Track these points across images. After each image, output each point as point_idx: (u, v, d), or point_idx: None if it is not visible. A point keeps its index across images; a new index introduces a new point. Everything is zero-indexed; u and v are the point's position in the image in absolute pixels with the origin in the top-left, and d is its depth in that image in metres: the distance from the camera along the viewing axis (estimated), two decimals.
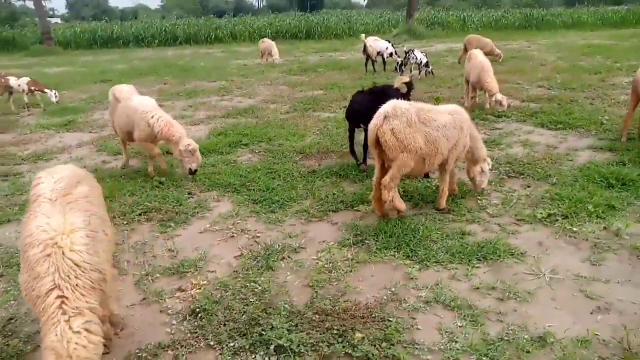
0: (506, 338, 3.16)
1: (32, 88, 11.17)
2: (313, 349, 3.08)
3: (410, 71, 13.87)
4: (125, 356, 3.13)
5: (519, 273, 3.92)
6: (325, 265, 4.09)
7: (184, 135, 6.09)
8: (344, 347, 3.08)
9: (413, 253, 4.22)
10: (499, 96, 8.69)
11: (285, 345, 3.05)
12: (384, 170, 4.93)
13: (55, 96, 11.42)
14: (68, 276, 2.41)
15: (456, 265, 4.04)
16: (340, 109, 9.71)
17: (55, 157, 7.55)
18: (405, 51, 14.17)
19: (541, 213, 4.82)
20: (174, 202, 5.43)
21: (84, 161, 7.22)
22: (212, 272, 4.10)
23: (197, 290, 3.78)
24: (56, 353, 2.24)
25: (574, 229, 4.57)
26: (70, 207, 2.69)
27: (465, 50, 16.58)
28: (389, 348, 3.06)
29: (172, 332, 3.35)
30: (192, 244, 4.58)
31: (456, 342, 3.15)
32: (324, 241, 4.55)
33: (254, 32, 30.48)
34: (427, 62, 13.89)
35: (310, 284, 3.81)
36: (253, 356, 3.05)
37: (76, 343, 2.27)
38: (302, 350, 3.05)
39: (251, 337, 3.18)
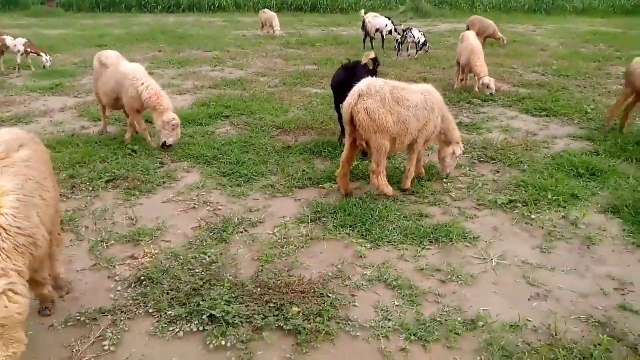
0: (439, 319, 3.22)
1: (28, 50, 11.11)
2: (248, 320, 3.15)
3: (408, 50, 13.74)
4: (65, 319, 3.20)
5: (467, 257, 3.96)
6: (279, 241, 4.14)
7: (171, 108, 6.08)
8: (277, 320, 3.14)
9: (368, 232, 4.26)
10: (486, 80, 8.63)
11: (218, 315, 3.11)
12: (353, 149, 4.95)
13: (49, 61, 11.38)
14: None
15: (407, 246, 4.08)
16: (330, 85, 9.66)
17: (36, 120, 7.57)
18: (403, 30, 13.99)
19: (502, 199, 4.84)
20: (142, 171, 5.47)
21: (64, 126, 7.23)
22: (167, 242, 4.16)
23: (148, 259, 3.84)
24: None
25: (532, 216, 4.59)
26: (5, 170, 2.72)
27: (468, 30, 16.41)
28: (322, 323, 3.12)
29: (116, 298, 3.42)
30: (153, 214, 4.63)
31: (389, 320, 3.21)
32: (283, 217, 4.59)
33: (258, 2, 30.06)
34: (425, 41, 13.73)
35: (260, 258, 3.86)
36: (188, 325, 3.12)
37: None
38: (235, 322, 3.12)
39: (189, 306, 3.25)
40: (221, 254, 3.93)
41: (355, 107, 4.57)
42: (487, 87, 8.65)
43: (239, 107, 8.11)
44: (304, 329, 3.07)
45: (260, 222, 4.48)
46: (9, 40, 10.92)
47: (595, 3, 30.82)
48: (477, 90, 9.03)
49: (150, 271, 3.65)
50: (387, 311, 3.30)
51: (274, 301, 3.31)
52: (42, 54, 11.33)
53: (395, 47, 14.04)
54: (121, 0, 30.34)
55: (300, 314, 3.19)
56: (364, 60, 5.99)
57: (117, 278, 3.64)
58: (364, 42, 14.96)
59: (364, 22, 14.69)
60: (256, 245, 4.08)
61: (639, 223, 4.44)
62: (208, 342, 2.98)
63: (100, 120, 7.31)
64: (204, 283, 3.51)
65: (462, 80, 9.59)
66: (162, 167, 5.73)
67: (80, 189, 5.08)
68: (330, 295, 3.42)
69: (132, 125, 6.37)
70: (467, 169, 5.71)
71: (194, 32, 19.11)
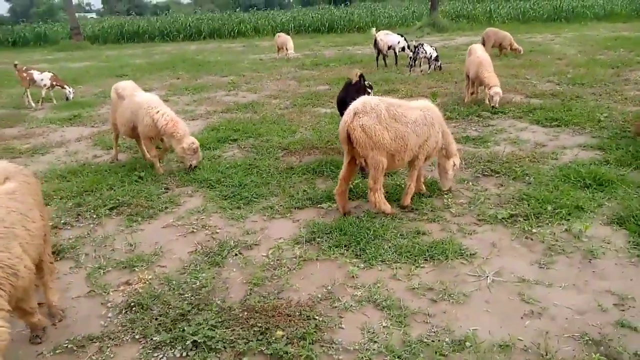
0: (426, 340, 3.14)
1: (54, 83, 11.60)
2: (231, 345, 3.14)
3: (420, 65, 13.71)
4: (54, 346, 3.25)
5: (461, 274, 3.87)
6: (271, 263, 4.14)
7: (187, 132, 6.26)
8: (260, 344, 3.12)
9: (362, 252, 4.22)
10: (493, 91, 8.52)
11: (200, 341, 3.12)
12: (351, 167, 4.95)
13: (72, 93, 11.81)
14: None
15: (401, 264, 4.03)
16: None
17: (52, 151, 7.82)
18: (414, 45, 14.00)
19: (502, 214, 4.74)
20: (146, 197, 5.56)
21: (77, 155, 7.45)
22: (163, 267, 4.20)
23: (141, 285, 3.89)
24: None
25: (533, 230, 4.47)
26: None
27: (484, 44, 16.30)
28: (305, 347, 3.09)
29: (106, 324, 3.46)
30: (153, 239, 4.69)
31: (375, 342, 3.15)
32: (279, 238, 4.59)
33: (276, 26, 30.65)
34: (436, 56, 13.69)
35: (251, 281, 3.86)
36: (172, 351, 3.12)
37: None
38: (218, 347, 3.11)
39: (174, 332, 3.26)
40: (213, 277, 3.95)
41: (351, 125, 4.59)
42: (491, 98, 8.53)
43: (247, 130, 8.21)
44: (285, 352, 3.04)
45: (256, 245, 4.49)
46: (36, 75, 11.41)
47: (617, 8, 30.28)
48: (487, 102, 8.92)
49: (141, 297, 3.69)
50: (374, 333, 3.24)
51: (259, 325, 3.30)
52: (65, 86, 11.79)
53: (409, 63, 14.02)
54: (144, 31, 31.37)
55: (284, 338, 3.17)
56: (353, 79, 6.05)
57: (109, 304, 3.69)
58: (377, 59, 15.01)
59: (375, 40, 14.78)
60: (249, 268, 4.09)
61: None
62: None
63: (112, 148, 7.52)
64: (192, 308, 3.52)
65: (472, 93, 9.50)
66: (167, 192, 5.82)
67: (84, 217, 5.20)
68: (317, 317, 3.39)
69: (153, 156, 6.45)
70: (470, 183, 5.62)
71: (213, 59, 19.55)
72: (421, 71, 13.55)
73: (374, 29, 15.63)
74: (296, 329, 3.26)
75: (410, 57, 14.01)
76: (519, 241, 4.34)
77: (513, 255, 4.13)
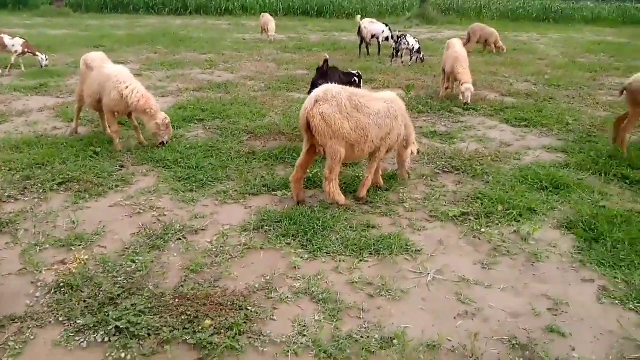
0: (355, 336, 3.10)
1: (25, 50, 11.23)
2: (155, 332, 3.06)
3: (402, 57, 13.60)
4: None
5: (403, 270, 3.84)
6: (213, 249, 4.05)
7: (159, 108, 6.15)
8: (186, 333, 3.05)
9: (309, 242, 4.16)
10: (464, 87, 8.47)
11: (122, 327, 3.03)
12: (310, 155, 4.87)
13: (45, 60, 11.48)
14: None
15: (345, 257, 3.98)
16: None
17: (11, 120, 7.58)
18: (397, 36, 13.88)
19: (453, 211, 4.71)
20: (98, 174, 5.41)
21: (37, 126, 7.23)
22: (102, 247, 4.09)
23: (76, 265, 3.77)
24: None
25: (482, 230, 4.46)
26: None
27: (469, 39, 16.23)
28: (232, 337, 3.03)
29: (32, 304, 3.35)
30: (97, 218, 4.57)
31: (304, 336, 3.10)
32: (227, 224, 4.50)
33: (265, 6, 30.19)
34: (419, 48, 13.60)
35: (188, 267, 3.78)
36: (94, 335, 3.03)
37: None
38: (142, 334, 3.03)
39: (99, 316, 3.17)
40: (152, 261, 3.85)
41: (311, 112, 4.50)
42: (463, 95, 8.49)
43: (215, 111, 8.06)
44: (212, 343, 2.98)
45: (202, 230, 4.40)
46: (7, 40, 11.02)
47: (604, 12, 30.48)
48: (460, 98, 8.88)
49: (73, 277, 3.58)
50: (305, 326, 3.19)
51: (188, 313, 3.22)
52: (37, 53, 11.43)
53: (392, 54, 13.89)
54: (129, 2, 30.64)
55: (212, 327, 3.10)
56: (321, 63, 5.99)
57: (39, 284, 3.57)
58: (360, 47, 14.88)
59: (359, 27, 14.63)
60: (190, 253, 4.00)
61: (592, 239, 4.29)
62: (108, 354, 2.89)
63: (73, 120, 7.33)
64: (123, 292, 3.43)
65: (447, 88, 9.46)
66: (121, 170, 5.68)
67: (30, 191, 5.04)
68: (249, 308, 3.32)
69: (115, 132, 6.28)
70: (429, 179, 5.59)
71: (195, 35, 19.18)
72: (402, 62, 13.46)
73: (358, 16, 15.44)
74: (226, 318, 3.19)
75: (393, 48, 13.91)
76: (467, 240, 4.32)
77: (458, 254, 4.11)
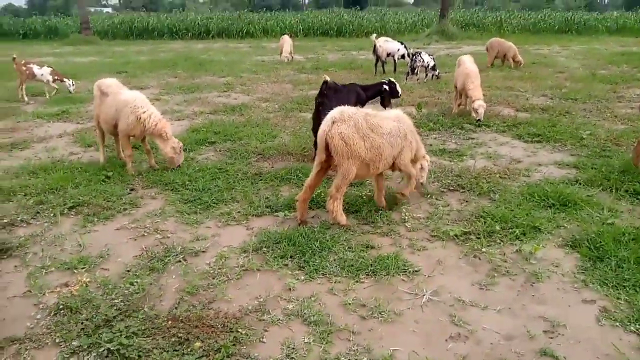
0: (343, 359, 3.09)
1: (55, 77, 11.75)
2: (146, 354, 3.11)
3: (417, 74, 13.62)
4: None
5: (398, 292, 3.81)
6: (211, 271, 4.11)
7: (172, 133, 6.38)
8: (175, 355, 3.09)
9: (306, 264, 4.18)
10: (476, 104, 8.42)
11: (112, 349, 3.09)
12: (319, 176, 4.94)
13: (72, 85, 11.95)
14: None
15: (341, 278, 3.97)
16: None
17: (32, 146, 7.87)
18: (412, 54, 13.92)
19: (454, 230, 4.67)
20: (107, 197, 5.56)
21: (55, 152, 7.49)
22: (105, 269, 4.19)
23: (77, 287, 3.87)
24: None
25: (483, 249, 4.40)
26: None
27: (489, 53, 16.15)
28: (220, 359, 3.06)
29: (32, 326, 3.45)
30: (103, 241, 4.69)
31: (292, 359, 3.10)
32: (228, 246, 4.56)
33: (285, 27, 30.74)
34: (434, 65, 13.64)
35: (184, 289, 3.83)
36: (87, 357, 3.10)
37: None
38: (132, 355, 3.08)
39: (93, 337, 3.24)
40: (150, 283, 3.92)
41: (330, 133, 4.60)
42: (476, 111, 8.44)
43: (227, 133, 8.21)
44: None
45: (202, 252, 4.46)
46: (35, 69, 11.55)
47: (630, 22, 29.94)
48: (472, 115, 8.82)
49: (73, 300, 3.67)
50: (293, 348, 3.19)
51: (180, 335, 3.27)
52: (65, 79, 11.93)
53: (407, 71, 13.93)
54: (154, 28, 31.59)
55: (201, 350, 3.13)
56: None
57: (41, 306, 3.68)
58: (375, 66, 14.97)
59: (375, 46, 14.74)
60: (188, 275, 4.06)
61: (597, 258, 4.19)
62: None
63: (90, 146, 7.58)
64: (119, 314, 3.50)
65: (459, 104, 9.43)
66: (131, 193, 5.82)
67: (42, 215, 5.21)
68: (240, 330, 3.35)
69: (128, 156, 6.46)
70: (434, 197, 5.55)
71: (216, 58, 19.64)
72: (417, 80, 13.48)
73: (374, 35, 15.56)
74: (216, 341, 3.22)
75: (408, 65, 13.96)
76: (466, 260, 4.27)
77: (457, 275, 4.06)
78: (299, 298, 3.74)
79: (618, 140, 7.47)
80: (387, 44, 14.92)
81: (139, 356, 3.10)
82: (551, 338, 3.28)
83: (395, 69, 14.94)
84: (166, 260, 4.27)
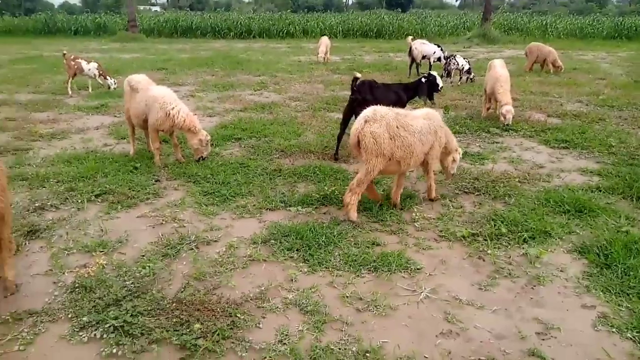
0: (333, 347, 3.20)
1: (100, 72, 12.35)
2: (148, 332, 3.30)
3: (452, 77, 13.53)
4: None
5: (397, 288, 3.89)
6: (219, 259, 4.29)
7: (200, 126, 6.67)
8: (175, 334, 3.27)
9: (311, 257, 4.30)
10: (504, 109, 8.35)
11: (117, 325, 3.31)
12: None
13: (114, 83, 12.50)
14: None
15: (343, 272, 4.08)
16: None
17: (69, 137, 8.30)
18: (446, 57, 13.85)
19: (462, 231, 4.69)
20: (132, 187, 5.84)
21: (91, 142, 7.87)
22: (122, 253, 4.43)
23: (94, 269, 4.13)
24: None
25: (488, 251, 4.41)
26: None
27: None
28: (216, 341, 3.22)
29: (49, 302, 3.71)
30: (124, 227, 4.94)
31: (284, 344, 3.23)
32: (238, 237, 4.73)
33: (325, 28, 30.93)
34: (469, 68, 13.54)
35: (193, 275, 4.02)
36: (94, 331, 3.32)
37: None
38: (135, 332, 3.28)
39: (102, 314, 3.46)
40: (161, 268, 4.14)
41: (362, 131, 4.81)
42: (504, 116, 8.36)
43: (254, 130, 8.43)
44: (196, 345, 3.18)
45: (215, 241, 4.65)
46: (84, 64, 12.17)
47: None
48: (501, 120, 8.74)
49: (89, 280, 3.92)
50: (287, 335, 3.32)
51: (182, 316, 3.45)
52: (108, 77, 12.49)
53: (442, 74, 13.84)
54: (197, 27, 32.33)
55: (199, 331, 3.31)
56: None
57: (59, 284, 3.94)
58: (410, 67, 14.95)
59: (410, 48, 14.74)
60: (198, 262, 4.25)
61: (604, 265, 4.14)
62: (102, 349, 3.17)
63: (124, 138, 7.93)
64: (129, 294, 3.72)
65: (488, 108, 9.35)
66: (155, 184, 6.08)
67: (71, 201, 5.53)
68: (239, 315, 3.50)
69: (157, 148, 6.77)
70: (448, 199, 5.58)
71: (254, 58, 19.99)
72: (451, 83, 13.39)
73: (410, 37, 15.55)
74: (214, 324, 3.39)
75: (444, 68, 13.89)
76: (470, 261, 4.29)
77: (458, 275, 4.10)
78: (299, 289, 3.87)
79: None
80: (423, 47, 14.88)
81: (142, 333, 3.30)
82: (543, 340, 3.29)
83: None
84: (179, 248, 4.48)
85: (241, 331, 3.36)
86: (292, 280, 3.99)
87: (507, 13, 35.54)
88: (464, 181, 6.04)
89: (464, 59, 13.68)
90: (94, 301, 3.67)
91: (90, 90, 12.33)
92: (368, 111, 4.92)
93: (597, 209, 5.16)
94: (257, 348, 3.20)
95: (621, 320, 3.47)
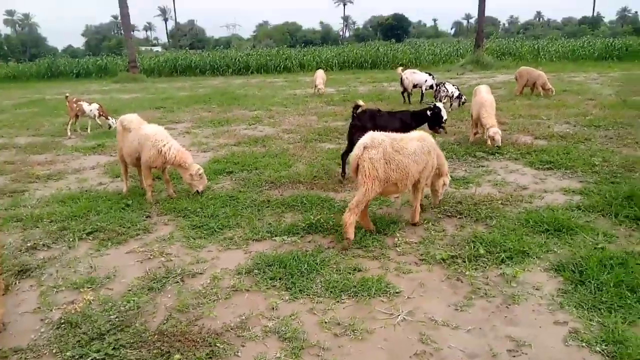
0: None
1: (100, 113, 12.70)
2: None
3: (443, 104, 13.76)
4: None
5: (375, 311, 3.97)
6: (203, 291, 4.39)
7: (192, 161, 6.83)
8: None
9: (293, 285, 4.40)
10: (491, 131, 8.53)
11: (99, 358, 3.40)
12: None
13: (114, 123, 12.79)
14: None
15: (323, 299, 4.17)
16: (345, 141, 9.96)
17: (66, 177, 8.51)
18: (435, 84, 14.16)
19: (441, 254, 4.80)
20: (123, 224, 5.99)
21: (86, 182, 8.07)
22: (110, 289, 4.55)
23: (81, 305, 4.24)
24: None
25: (467, 272, 4.50)
26: None
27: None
28: None
29: (35, 339, 3.81)
30: (113, 263, 5.07)
31: None
32: (223, 268, 4.85)
33: (321, 62, 31.55)
34: (459, 94, 13.81)
35: (176, 308, 4.13)
36: None
37: None
38: None
39: (85, 349, 3.56)
40: (146, 302, 4.24)
41: (362, 157, 5.07)
42: (492, 139, 8.54)
43: (245, 163, 8.61)
44: None
45: (200, 273, 4.76)
46: (85, 106, 12.53)
47: None
48: (488, 144, 8.90)
49: (75, 316, 4.03)
50: None
51: (162, 348, 3.55)
52: (108, 117, 12.82)
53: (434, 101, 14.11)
54: (196, 65, 33.04)
55: None
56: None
57: (46, 321, 4.05)
58: (403, 95, 15.28)
59: (401, 78, 15.10)
60: (182, 295, 4.35)
61: (579, 282, 4.22)
62: None
63: (118, 177, 8.12)
64: (113, 328, 3.82)
65: (475, 133, 9.53)
66: (146, 219, 6.23)
67: (62, 240, 5.67)
68: (219, 344, 3.59)
69: (149, 185, 6.94)
70: (430, 223, 5.69)
71: (251, 93, 20.39)
72: None
73: (400, 67, 15.98)
74: (194, 354, 3.48)
75: (434, 95, 14.19)
76: (448, 283, 4.38)
77: (436, 297, 4.18)
78: (279, 316, 3.96)
79: (632, 166, 7.39)
80: (414, 76, 15.25)
81: None
82: (514, 357, 3.36)
83: (422, 99, 15.20)
84: (165, 281, 4.59)
85: None
86: (273, 308, 4.09)
87: (500, 39, 36.18)
88: (447, 205, 6.16)
89: (454, 85, 13.96)
90: (79, 336, 3.77)
91: (89, 130, 12.63)
92: (366, 138, 5.20)
93: (576, 227, 5.26)
94: None
95: (591, 334, 3.54)
